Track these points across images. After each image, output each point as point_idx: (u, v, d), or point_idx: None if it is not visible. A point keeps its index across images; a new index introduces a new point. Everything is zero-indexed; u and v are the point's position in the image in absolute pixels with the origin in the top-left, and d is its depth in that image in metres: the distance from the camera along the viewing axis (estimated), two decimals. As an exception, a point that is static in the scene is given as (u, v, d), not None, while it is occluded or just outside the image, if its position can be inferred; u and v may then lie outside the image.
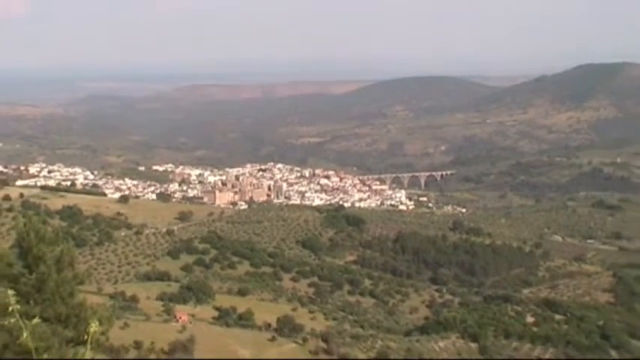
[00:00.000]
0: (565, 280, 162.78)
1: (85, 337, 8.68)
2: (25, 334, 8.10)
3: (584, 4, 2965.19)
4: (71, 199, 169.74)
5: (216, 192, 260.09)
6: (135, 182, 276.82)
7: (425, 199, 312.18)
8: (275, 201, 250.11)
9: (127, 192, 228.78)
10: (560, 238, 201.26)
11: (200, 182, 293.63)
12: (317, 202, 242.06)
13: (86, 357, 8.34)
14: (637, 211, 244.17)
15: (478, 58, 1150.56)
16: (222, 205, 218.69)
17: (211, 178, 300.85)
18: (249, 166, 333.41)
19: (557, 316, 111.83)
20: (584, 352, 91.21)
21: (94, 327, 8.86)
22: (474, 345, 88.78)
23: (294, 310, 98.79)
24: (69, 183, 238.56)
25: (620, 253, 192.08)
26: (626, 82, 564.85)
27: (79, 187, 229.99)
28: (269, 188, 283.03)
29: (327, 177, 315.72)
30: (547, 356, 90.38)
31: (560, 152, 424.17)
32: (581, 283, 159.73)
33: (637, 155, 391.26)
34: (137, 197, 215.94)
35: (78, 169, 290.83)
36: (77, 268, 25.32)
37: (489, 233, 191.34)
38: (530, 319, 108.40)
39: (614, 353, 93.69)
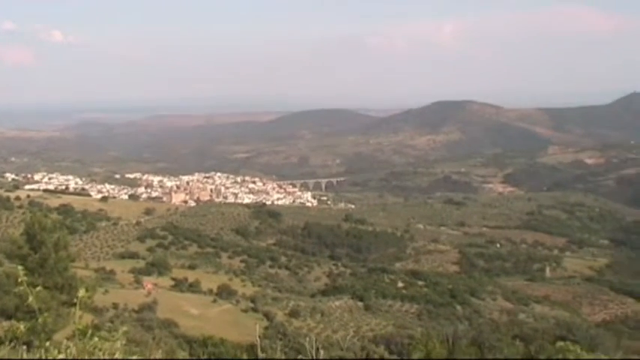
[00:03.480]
0: (425, 256, 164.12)
1: (76, 300, 8.65)
2: (30, 298, 8.08)
3: (438, 56, 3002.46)
4: (65, 199, 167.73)
5: (173, 193, 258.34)
6: (112, 186, 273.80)
7: (325, 198, 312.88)
8: (216, 200, 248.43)
9: (106, 194, 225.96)
10: (422, 226, 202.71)
11: (161, 186, 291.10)
12: (246, 201, 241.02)
13: (76, 315, 8.29)
14: (475, 206, 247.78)
15: (364, 94, 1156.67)
16: (177, 203, 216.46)
17: (169, 183, 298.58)
18: (196, 174, 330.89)
19: (420, 282, 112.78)
20: (438, 307, 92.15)
21: (82, 293, 8.82)
22: (360, 303, 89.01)
23: (230, 279, 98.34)
24: (64, 187, 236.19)
25: (463, 236, 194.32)
26: (468, 115, 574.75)
27: (71, 190, 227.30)
28: (211, 191, 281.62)
29: (254, 182, 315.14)
30: (412, 310, 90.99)
31: (422, 164, 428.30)
32: (437, 258, 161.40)
33: (475, 166, 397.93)
34: (114, 197, 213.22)
35: (70, 177, 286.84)
36: (70, 249, 25.06)
37: (371, 222, 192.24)
38: (400, 285, 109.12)
39: (459, 307, 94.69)
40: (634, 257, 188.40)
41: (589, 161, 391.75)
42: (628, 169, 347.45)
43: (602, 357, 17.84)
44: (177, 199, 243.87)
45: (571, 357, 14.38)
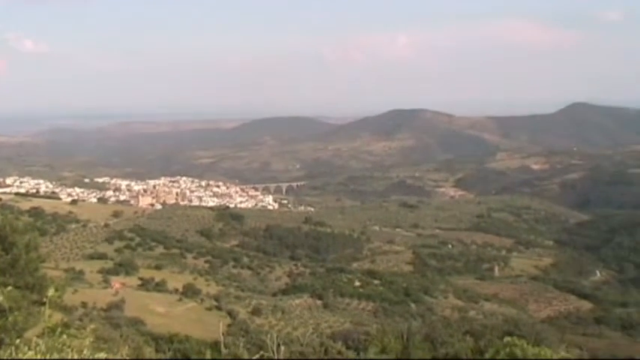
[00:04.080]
0: (381, 256, 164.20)
1: (46, 299, 8.57)
2: (1, 298, 7.99)
3: (393, 67, 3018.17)
4: (36, 202, 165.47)
5: (140, 197, 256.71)
6: (82, 190, 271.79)
7: (286, 201, 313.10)
8: (181, 203, 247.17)
9: (76, 197, 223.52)
10: (377, 228, 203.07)
11: (128, 190, 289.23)
12: (211, 204, 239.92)
13: (46, 314, 8.21)
14: (428, 209, 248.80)
15: (322, 103, 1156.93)
16: (144, 206, 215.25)
17: (136, 187, 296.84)
18: (162, 178, 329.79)
19: (376, 281, 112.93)
20: (393, 305, 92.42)
21: (52, 292, 8.75)
22: (319, 301, 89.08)
23: (194, 279, 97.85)
24: (35, 191, 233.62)
25: (417, 237, 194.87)
26: (421, 122, 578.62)
27: (42, 193, 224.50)
28: (177, 194, 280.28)
29: (218, 186, 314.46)
30: (369, 308, 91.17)
31: (378, 169, 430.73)
32: (392, 258, 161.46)
33: (428, 171, 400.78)
34: (83, 201, 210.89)
35: (41, 181, 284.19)
36: (40, 251, 24.81)
37: (330, 225, 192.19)
38: (357, 284, 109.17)
39: (413, 305, 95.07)
40: (576, 257, 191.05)
41: (535, 167, 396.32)
42: (571, 174, 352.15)
43: (546, 350, 17.98)
44: (144, 202, 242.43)
45: (517, 351, 14.55)
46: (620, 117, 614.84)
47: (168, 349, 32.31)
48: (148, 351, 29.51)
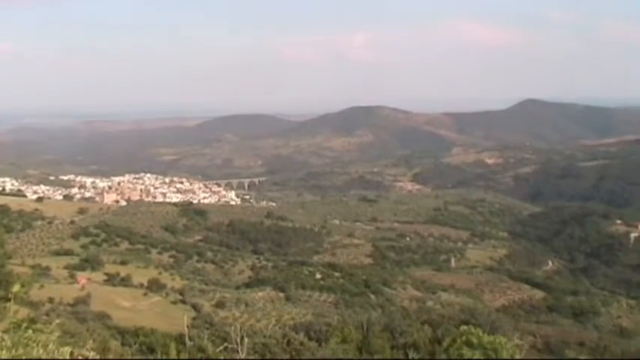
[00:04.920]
0: (341, 249, 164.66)
1: (11, 295, 8.49)
2: (-32, 294, 7.92)
3: (351, 64, 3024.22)
4: (2, 200, 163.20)
5: (105, 194, 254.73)
6: (47, 187, 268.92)
7: (248, 197, 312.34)
8: (145, 200, 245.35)
9: (42, 194, 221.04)
10: (338, 222, 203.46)
11: (93, 187, 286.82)
12: (174, 200, 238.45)
13: (11, 309, 8.12)
14: (387, 203, 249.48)
15: (284, 100, 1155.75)
16: (108, 203, 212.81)
17: (101, 184, 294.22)
18: (127, 175, 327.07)
19: (336, 274, 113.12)
20: (353, 296, 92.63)
21: (17, 288, 8.66)
22: (281, 294, 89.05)
23: (159, 274, 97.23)
24: (0, 188, 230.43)
25: (376, 230, 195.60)
26: (380, 119, 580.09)
27: (7, 191, 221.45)
28: (141, 191, 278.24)
29: (181, 183, 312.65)
30: (330, 300, 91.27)
31: (337, 165, 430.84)
32: (352, 251, 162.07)
33: (386, 166, 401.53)
34: (49, 198, 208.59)
35: (7, 179, 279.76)
36: (6, 247, 24.53)
37: (291, 219, 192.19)
38: (318, 276, 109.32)
39: (373, 296, 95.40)
40: (530, 248, 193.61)
41: (489, 161, 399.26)
42: (524, 168, 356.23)
43: (501, 338, 18.16)
44: (109, 199, 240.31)
45: (473, 339, 14.68)
46: (570, 113, 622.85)
47: (135, 343, 32.12)
48: (114, 345, 29.30)
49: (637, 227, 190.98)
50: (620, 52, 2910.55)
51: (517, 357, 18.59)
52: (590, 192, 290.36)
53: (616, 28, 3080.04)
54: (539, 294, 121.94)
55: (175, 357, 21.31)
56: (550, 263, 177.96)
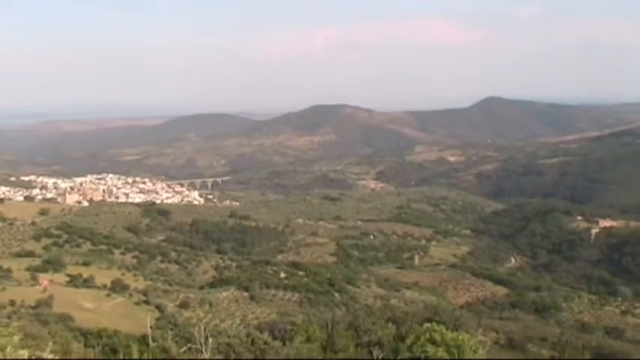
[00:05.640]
0: (305, 248, 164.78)
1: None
2: None
3: (315, 63, 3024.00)
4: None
5: (67, 194, 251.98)
6: (8, 189, 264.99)
7: (211, 196, 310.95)
8: (108, 200, 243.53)
9: (2, 195, 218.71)
10: (301, 221, 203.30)
11: (55, 188, 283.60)
12: (137, 200, 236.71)
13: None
14: (350, 201, 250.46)
15: (245, 100, 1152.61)
16: (70, 204, 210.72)
17: (63, 185, 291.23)
18: (89, 176, 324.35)
19: (301, 273, 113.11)
20: (318, 295, 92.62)
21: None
22: (246, 293, 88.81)
23: (122, 274, 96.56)
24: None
25: (340, 229, 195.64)
26: (342, 118, 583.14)
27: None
28: (104, 191, 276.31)
29: (144, 183, 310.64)
30: (294, 299, 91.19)
31: (300, 164, 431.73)
32: (316, 250, 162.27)
33: (349, 165, 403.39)
34: (10, 199, 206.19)
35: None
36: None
37: (255, 218, 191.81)
38: (283, 275, 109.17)
39: (337, 295, 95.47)
40: (492, 245, 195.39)
41: (451, 159, 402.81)
42: (486, 165, 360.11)
43: (464, 335, 18.31)
44: (71, 199, 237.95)
45: (436, 336, 14.77)
46: (531, 110, 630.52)
47: (97, 344, 31.87)
48: (77, 347, 29.06)
49: (598, 223, 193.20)
50: (580, 51, 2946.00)
51: (480, 353, 18.75)
52: (552, 189, 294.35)
53: (576, 27, 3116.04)
54: (502, 290, 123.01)
55: (137, 358, 21.20)
56: (513, 260, 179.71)
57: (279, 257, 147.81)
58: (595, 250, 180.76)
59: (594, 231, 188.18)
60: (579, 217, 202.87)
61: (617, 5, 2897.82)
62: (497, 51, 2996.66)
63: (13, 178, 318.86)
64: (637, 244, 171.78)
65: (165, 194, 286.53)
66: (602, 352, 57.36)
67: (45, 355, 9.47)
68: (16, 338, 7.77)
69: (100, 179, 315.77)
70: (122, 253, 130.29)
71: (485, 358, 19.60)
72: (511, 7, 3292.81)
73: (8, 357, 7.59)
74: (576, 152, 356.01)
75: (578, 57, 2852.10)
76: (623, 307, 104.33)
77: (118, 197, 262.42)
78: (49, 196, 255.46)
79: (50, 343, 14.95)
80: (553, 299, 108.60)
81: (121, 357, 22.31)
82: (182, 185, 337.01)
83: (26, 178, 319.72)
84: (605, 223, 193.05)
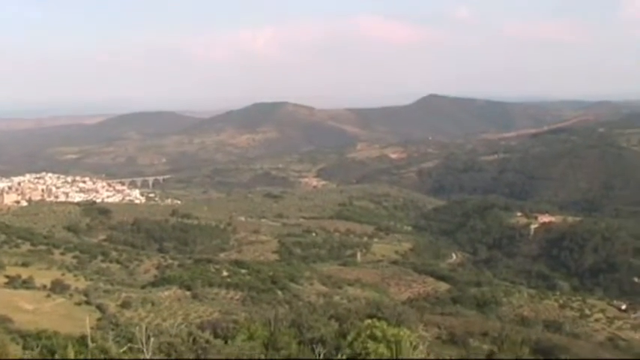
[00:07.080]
0: (247, 246, 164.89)
1: None
2: None
3: (256, 62, 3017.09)
4: None
5: (4, 194, 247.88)
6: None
7: (152, 195, 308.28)
8: (47, 200, 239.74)
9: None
10: (243, 219, 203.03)
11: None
12: (77, 199, 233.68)
13: None
14: (292, 199, 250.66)
15: (186, 98, 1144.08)
16: (8, 204, 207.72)
17: (0, 185, 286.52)
18: (28, 175, 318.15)
19: (243, 271, 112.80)
20: (260, 293, 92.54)
21: None
22: (188, 292, 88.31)
23: (63, 275, 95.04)
24: None
25: (282, 227, 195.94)
26: (284, 115, 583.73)
27: None
28: (42, 191, 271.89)
29: (84, 182, 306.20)
30: (237, 297, 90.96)
31: (242, 161, 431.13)
32: (258, 248, 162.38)
33: (291, 162, 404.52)
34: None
35: None
36: None
37: (197, 217, 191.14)
38: (225, 274, 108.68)
39: (280, 293, 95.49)
40: (434, 241, 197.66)
41: (393, 156, 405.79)
42: (427, 162, 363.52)
43: (405, 330, 18.53)
44: (9, 199, 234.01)
45: (377, 332, 14.92)
46: (470, 108, 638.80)
47: (37, 346, 31.49)
48: (15, 348, 28.66)
49: (537, 219, 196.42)
50: (518, 49, 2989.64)
51: (420, 348, 18.98)
52: (492, 185, 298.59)
53: (514, 26, 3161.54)
54: (443, 286, 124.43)
55: (74, 358, 20.98)
56: (454, 256, 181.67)
57: (222, 255, 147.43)
58: (534, 245, 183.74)
59: (533, 226, 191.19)
60: (519, 213, 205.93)
61: (555, 5, 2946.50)
62: (438, 49, 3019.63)
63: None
64: (575, 239, 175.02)
65: (106, 193, 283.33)
66: (541, 345, 58.33)
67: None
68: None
69: (38, 178, 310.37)
70: (62, 253, 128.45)
71: (425, 353, 19.84)
72: (451, 6, 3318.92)
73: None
74: (515, 149, 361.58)
75: (516, 56, 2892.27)
76: (561, 301, 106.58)
77: (57, 197, 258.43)
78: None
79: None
80: (493, 294, 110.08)
81: (58, 358, 22.07)
82: (123, 184, 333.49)
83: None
84: (544, 218, 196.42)
